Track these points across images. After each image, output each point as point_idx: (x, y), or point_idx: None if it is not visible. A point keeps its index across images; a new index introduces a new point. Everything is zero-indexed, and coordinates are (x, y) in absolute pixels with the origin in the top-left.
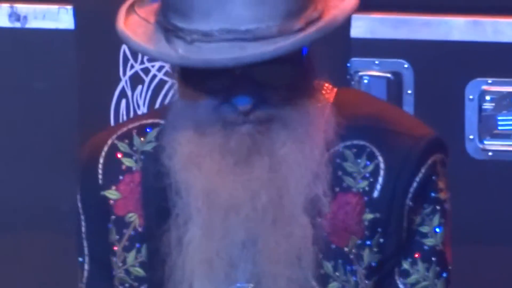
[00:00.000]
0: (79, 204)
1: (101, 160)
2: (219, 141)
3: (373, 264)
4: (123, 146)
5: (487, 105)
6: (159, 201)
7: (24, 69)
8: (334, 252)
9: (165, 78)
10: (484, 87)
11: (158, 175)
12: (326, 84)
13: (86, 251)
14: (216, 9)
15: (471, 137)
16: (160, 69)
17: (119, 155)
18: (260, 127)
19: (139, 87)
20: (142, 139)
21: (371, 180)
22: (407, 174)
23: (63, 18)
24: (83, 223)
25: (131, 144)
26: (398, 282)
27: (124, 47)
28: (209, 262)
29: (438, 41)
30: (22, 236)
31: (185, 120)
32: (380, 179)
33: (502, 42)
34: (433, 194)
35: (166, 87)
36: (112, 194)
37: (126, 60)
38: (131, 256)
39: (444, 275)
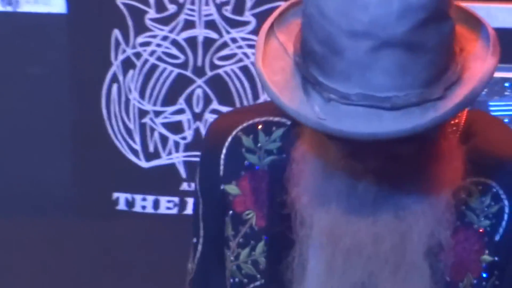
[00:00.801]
0: (198, 187)
1: (224, 151)
2: (346, 184)
3: None
4: (247, 140)
5: None
6: (281, 215)
7: (15, 53)
8: (448, 285)
9: (157, 62)
10: None
11: (283, 189)
12: None
13: (201, 232)
14: (356, 74)
15: None
16: (152, 53)
17: (243, 150)
18: (388, 177)
19: (131, 71)
20: (267, 137)
21: (494, 221)
22: None
23: (55, 2)
24: (200, 205)
25: (255, 140)
26: None
27: (116, 31)
28: None
29: None
30: (16, 221)
31: (314, 156)
32: (504, 223)
33: (494, 28)
34: None
35: (158, 71)
36: (232, 189)
37: (117, 44)
38: (244, 253)
39: None
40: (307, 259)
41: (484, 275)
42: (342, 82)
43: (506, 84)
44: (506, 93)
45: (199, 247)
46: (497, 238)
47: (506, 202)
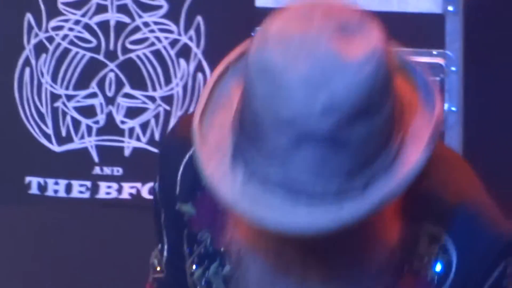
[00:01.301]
0: (158, 196)
1: (181, 169)
2: (274, 245)
3: None
4: None
5: None
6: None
7: None
8: None
9: (69, 46)
10: None
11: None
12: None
13: (165, 239)
14: (277, 161)
15: None
16: (64, 37)
17: (198, 170)
18: (312, 271)
19: (43, 55)
20: None
21: (441, 272)
22: (479, 277)
23: None
24: (162, 214)
25: None
26: None
27: (28, 15)
28: None
29: None
30: None
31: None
32: (451, 275)
33: (407, 12)
34: None
35: (70, 55)
36: (188, 209)
37: (30, 28)
38: (198, 272)
39: None
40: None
41: None
42: (265, 166)
43: None
44: None
45: (165, 253)
46: None
47: (454, 254)
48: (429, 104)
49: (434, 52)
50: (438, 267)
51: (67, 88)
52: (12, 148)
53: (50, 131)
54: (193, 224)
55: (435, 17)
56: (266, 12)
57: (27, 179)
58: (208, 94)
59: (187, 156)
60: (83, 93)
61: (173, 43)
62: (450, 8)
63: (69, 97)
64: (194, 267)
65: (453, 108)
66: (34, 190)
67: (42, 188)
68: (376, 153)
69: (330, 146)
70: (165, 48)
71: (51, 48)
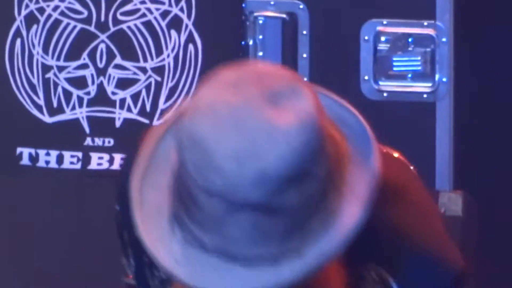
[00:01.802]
0: (120, 219)
1: None
2: None
3: None
4: None
5: (382, 46)
6: None
7: None
8: None
9: (60, 17)
10: (380, 28)
11: None
12: None
13: (132, 258)
14: (213, 227)
15: (366, 77)
16: (55, 8)
17: None
18: None
19: (34, 26)
20: None
21: None
22: None
23: None
24: (125, 232)
25: None
26: None
27: None
28: None
29: None
30: None
31: None
32: None
33: None
34: None
35: (61, 26)
36: None
37: None
38: None
39: None
40: None
41: None
42: (201, 231)
43: (410, 40)
44: (409, 48)
45: (133, 269)
46: None
47: None
48: (367, 154)
49: (425, 23)
50: None
51: (58, 59)
52: (4, 119)
53: (41, 102)
54: None
55: None
56: None
57: (19, 150)
58: (148, 155)
59: None
60: (74, 64)
61: (164, 14)
62: None
63: (60, 68)
64: None
65: (444, 79)
66: (25, 161)
67: (34, 159)
68: (312, 214)
69: (264, 213)
70: (156, 19)
71: (42, 19)
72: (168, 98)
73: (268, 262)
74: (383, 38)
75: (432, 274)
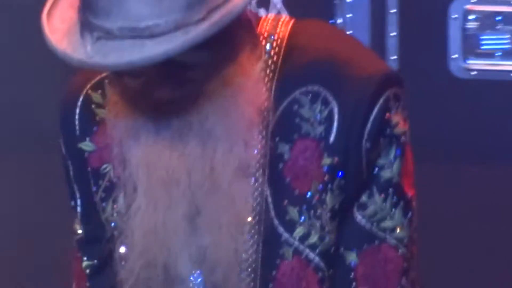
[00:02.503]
0: (63, 150)
1: (78, 111)
2: (152, 118)
3: (336, 206)
4: (96, 97)
5: (471, 24)
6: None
7: None
8: (297, 198)
9: None
10: (468, 6)
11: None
12: (282, 19)
13: (77, 194)
14: (115, 7)
15: (455, 56)
16: None
17: (93, 106)
18: (187, 105)
19: None
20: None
21: (326, 125)
22: (361, 117)
23: None
24: (70, 167)
25: (103, 95)
26: (357, 214)
27: None
28: (155, 231)
29: None
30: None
31: (122, 100)
32: (335, 124)
33: None
34: (388, 130)
35: None
36: (87, 146)
37: None
38: (108, 207)
39: (402, 204)
40: (133, 196)
41: (327, 177)
42: (106, 19)
43: (498, 18)
44: (497, 27)
45: (78, 209)
46: (331, 139)
47: (334, 103)
48: None
49: None
50: (323, 122)
51: None
52: None
53: None
54: (94, 159)
55: None
56: None
57: None
58: None
59: (81, 97)
60: None
61: None
62: None
63: None
64: (103, 204)
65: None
66: None
67: None
68: None
69: None
70: None
71: None
72: None
73: (172, 31)
74: (471, 16)
75: (361, 77)
